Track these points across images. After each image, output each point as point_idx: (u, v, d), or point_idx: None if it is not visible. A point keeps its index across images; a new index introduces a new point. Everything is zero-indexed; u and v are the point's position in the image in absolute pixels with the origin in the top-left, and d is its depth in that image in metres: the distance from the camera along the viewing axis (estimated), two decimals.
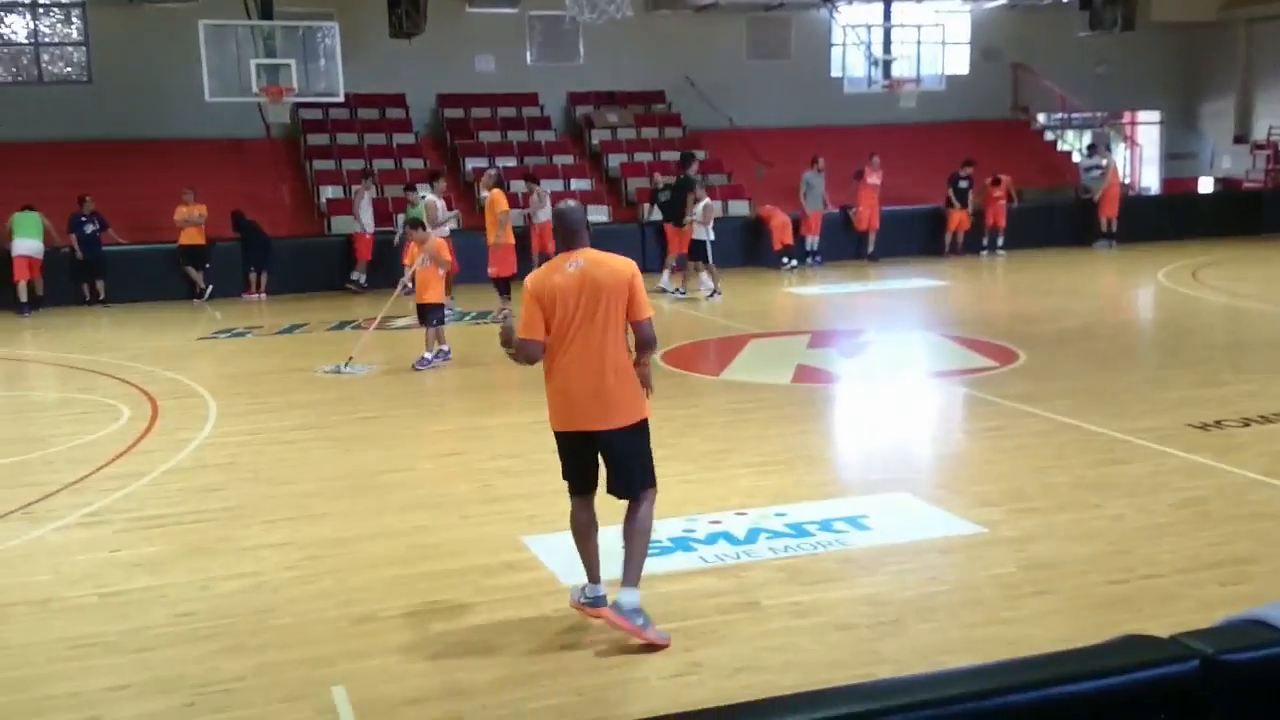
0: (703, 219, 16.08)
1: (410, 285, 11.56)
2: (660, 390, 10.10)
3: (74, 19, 21.70)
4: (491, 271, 13.97)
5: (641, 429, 5.04)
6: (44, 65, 21.82)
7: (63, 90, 21.24)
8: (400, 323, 14.21)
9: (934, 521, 6.35)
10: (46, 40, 21.95)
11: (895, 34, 22.77)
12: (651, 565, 5.68)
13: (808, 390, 10.10)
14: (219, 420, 9.20)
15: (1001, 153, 23.01)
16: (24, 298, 16.22)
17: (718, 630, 4.93)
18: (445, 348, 11.60)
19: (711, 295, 16.05)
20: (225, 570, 5.78)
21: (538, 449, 8.06)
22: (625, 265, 4.96)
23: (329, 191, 19.97)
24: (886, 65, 22.40)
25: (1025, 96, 25.75)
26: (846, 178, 20.53)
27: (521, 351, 4.95)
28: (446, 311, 14.51)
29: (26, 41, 21.85)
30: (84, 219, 16.77)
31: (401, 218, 16.51)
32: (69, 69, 21.89)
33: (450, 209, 16.38)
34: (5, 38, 21.85)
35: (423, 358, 11.34)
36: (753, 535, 6.09)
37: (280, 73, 17.47)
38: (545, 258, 17.31)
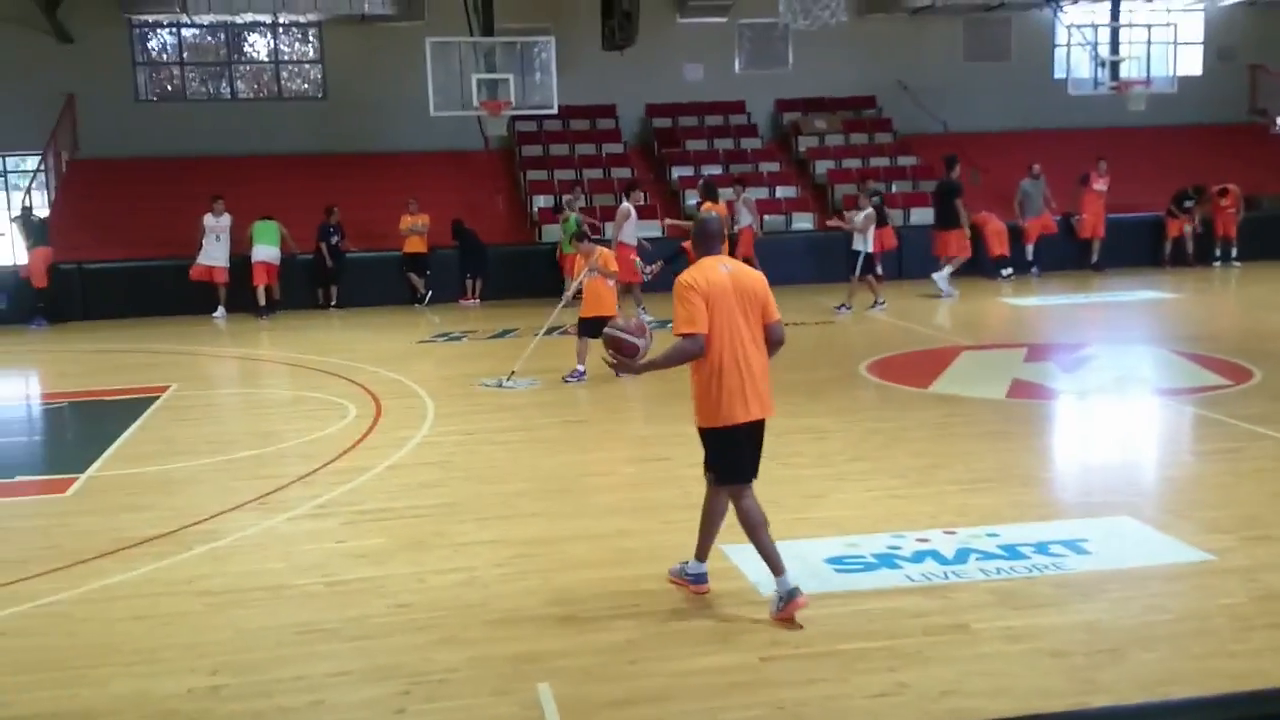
0: (862, 227, 15.65)
1: (574, 298, 11.34)
2: (865, 401, 10.03)
3: (311, 38, 23.13)
4: None
5: None
6: (283, 82, 23.35)
7: (299, 106, 22.67)
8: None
9: (1158, 547, 5.99)
10: (286, 58, 23.48)
11: (1123, 34, 21.71)
12: (854, 581, 5.59)
13: (1024, 406, 9.71)
14: (436, 420, 9.59)
15: (1236, 159, 21.57)
16: (262, 301, 17.38)
17: (924, 651, 4.79)
18: (581, 368, 11.10)
19: (873, 306, 15.77)
20: (440, 564, 6.02)
21: None
22: (760, 274, 5.41)
23: (541, 201, 20.57)
24: (1114, 66, 21.38)
25: (1264, 99, 24.02)
26: (1069, 183, 19.67)
27: (680, 351, 5.21)
28: (648, 319, 14.78)
29: (267, 60, 23.43)
30: (331, 229, 17.84)
31: (559, 228, 17.09)
32: (306, 85, 23.35)
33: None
34: (249, 56, 23.49)
35: (576, 370, 11.08)
36: (962, 555, 5.89)
37: (499, 87, 18.12)
38: (748, 263, 17.52)
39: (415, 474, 7.93)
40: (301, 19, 22.28)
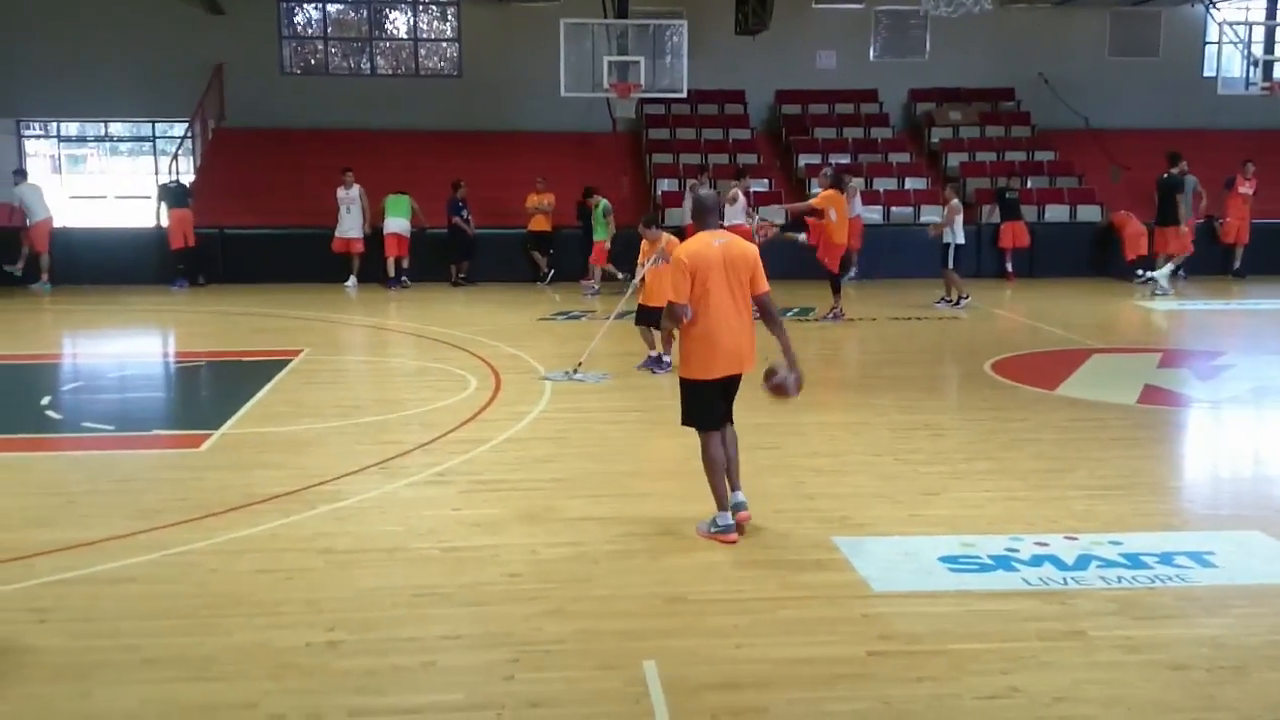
0: (946, 220, 15.36)
1: (638, 284, 10.80)
2: (988, 401, 9.80)
3: (449, 17, 23.54)
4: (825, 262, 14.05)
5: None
6: (420, 59, 23.82)
7: (435, 83, 23.11)
8: None
9: None
10: (424, 36, 23.95)
11: (1278, 33, 20.71)
12: (969, 581, 5.49)
13: (1155, 412, 9.37)
14: (553, 396, 9.71)
15: None
16: (392, 273, 17.83)
17: (1038, 656, 4.68)
18: (668, 358, 10.40)
19: (957, 302, 15.42)
20: (551, 538, 6.11)
21: (853, 450, 8.01)
22: (751, 247, 6.20)
23: (665, 184, 20.59)
24: (1267, 66, 20.40)
25: None
26: (1215, 186, 18.87)
27: (669, 314, 6.14)
28: None
29: (406, 37, 23.94)
30: (460, 204, 18.17)
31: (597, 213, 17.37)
32: (442, 64, 23.78)
33: (752, 207, 16.59)
34: (389, 33, 24.04)
35: (656, 357, 10.59)
36: (1083, 562, 5.73)
37: (629, 69, 18.18)
38: (850, 254, 17.34)
39: (531, 448, 8.05)
40: None
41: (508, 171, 19.96)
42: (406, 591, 5.37)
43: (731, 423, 6.31)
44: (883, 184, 20.59)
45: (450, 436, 8.32)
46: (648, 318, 10.61)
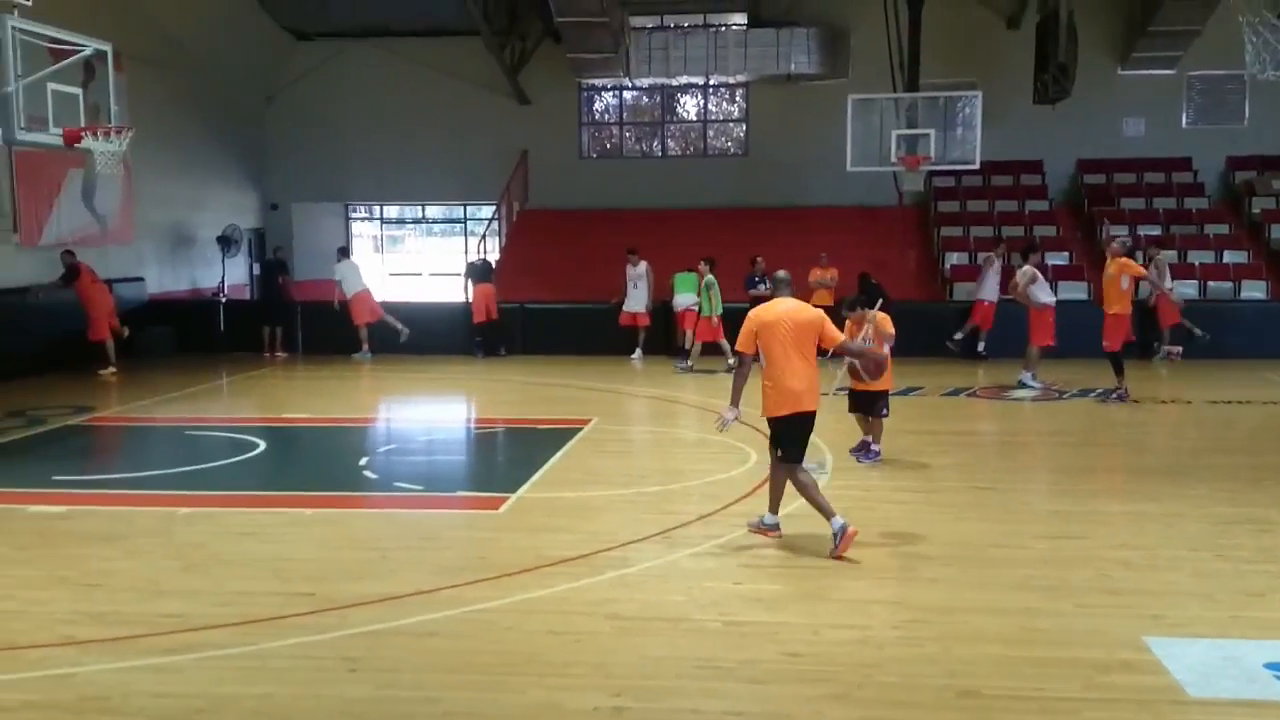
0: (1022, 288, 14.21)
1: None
2: None
3: (738, 98, 24.13)
4: (1105, 345, 13.18)
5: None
6: (709, 140, 24.50)
7: (722, 162, 23.71)
8: (1017, 394, 13.97)
9: None
10: (713, 118, 24.64)
11: None
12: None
13: None
14: (834, 474, 9.57)
15: None
16: (685, 345, 18.17)
17: None
18: (877, 448, 10.01)
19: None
20: (835, 619, 5.98)
21: (1166, 543, 7.42)
22: (816, 311, 7.67)
23: (954, 258, 20.09)
24: None
25: None
26: None
27: (738, 363, 7.63)
28: (1036, 385, 13.97)
29: (696, 119, 24.70)
30: (757, 279, 18.38)
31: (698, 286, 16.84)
32: (729, 143, 24.37)
33: (1047, 281, 15.50)
34: (679, 116, 24.89)
35: (867, 446, 10.03)
36: None
37: (919, 142, 17.93)
38: (1177, 331, 16.16)
39: (812, 525, 7.91)
40: (731, 80, 23.33)
41: (792, 246, 20.03)
42: (689, 663, 5.38)
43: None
44: (1198, 257, 19.27)
45: (731, 509, 8.34)
46: (858, 404, 10.05)
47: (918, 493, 8.97)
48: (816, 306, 19.16)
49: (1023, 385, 14.25)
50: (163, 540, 7.63)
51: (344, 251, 19.51)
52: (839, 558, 6.96)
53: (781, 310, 7.47)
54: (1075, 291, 18.65)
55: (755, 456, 10.24)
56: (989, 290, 17.24)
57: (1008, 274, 18.16)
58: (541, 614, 6.08)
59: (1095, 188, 21.62)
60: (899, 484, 9.26)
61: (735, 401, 7.57)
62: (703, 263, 17.08)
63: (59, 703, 4.98)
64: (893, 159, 18.00)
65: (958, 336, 17.47)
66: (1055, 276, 17.80)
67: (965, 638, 5.71)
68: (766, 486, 9.05)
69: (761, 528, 7.55)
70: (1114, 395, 13.34)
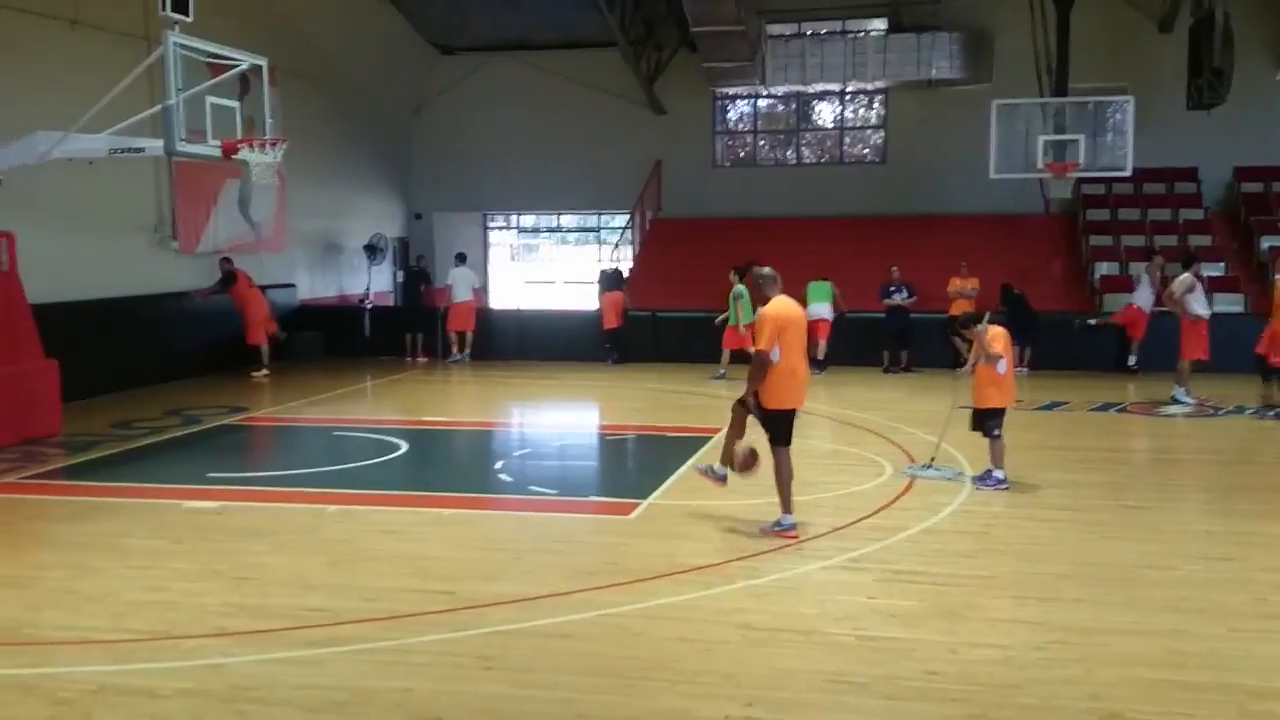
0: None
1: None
2: None
3: (876, 104, 23.81)
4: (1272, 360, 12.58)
5: None
6: (845, 147, 24.25)
7: (859, 169, 23.41)
8: (1169, 410, 13.45)
9: None
10: (849, 125, 24.38)
11: None
12: None
13: None
14: (973, 489, 9.34)
15: None
16: (819, 355, 17.94)
17: None
18: (999, 474, 9.34)
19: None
20: (973, 637, 5.83)
21: None
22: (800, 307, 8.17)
23: (1104, 268, 19.44)
24: None
25: None
26: None
27: (759, 361, 7.72)
28: (1189, 401, 13.36)
29: (832, 126, 24.47)
30: (893, 288, 18.09)
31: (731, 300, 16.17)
32: (866, 150, 24.07)
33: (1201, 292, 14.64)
34: (815, 124, 24.70)
35: (991, 474, 9.39)
36: None
37: (1067, 148, 17.38)
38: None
39: (950, 541, 7.77)
40: (869, 86, 23.05)
41: (931, 256, 19.70)
42: (821, 676, 5.32)
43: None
44: None
45: (864, 523, 8.23)
46: (978, 421, 9.58)
47: (1062, 510, 8.69)
48: (956, 317, 18.85)
49: (1175, 401, 13.68)
50: (310, 536, 7.92)
51: (461, 258, 19.89)
52: (769, 534, 7.73)
53: (794, 309, 7.95)
54: (1231, 304, 17.85)
55: (890, 469, 10.08)
56: (1143, 297, 16.60)
57: (1165, 285, 17.49)
58: (672, 620, 6.10)
59: (1253, 196, 20.63)
60: (1043, 501, 8.99)
61: (751, 393, 7.87)
62: (732, 272, 16.84)
63: (211, 691, 5.21)
64: (1039, 165, 17.46)
65: (1131, 361, 16.79)
66: (1210, 288, 17.03)
67: (1110, 660, 5.51)
68: (898, 500, 8.97)
69: (777, 529, 7.86)
70: (1273, 413, 12.72)
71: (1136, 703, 5.00)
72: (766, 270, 8.11)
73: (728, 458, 8.10)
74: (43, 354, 11.97)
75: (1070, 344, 17.48)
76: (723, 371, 16.76)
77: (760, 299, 8.01)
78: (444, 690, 5.19)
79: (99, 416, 13.05)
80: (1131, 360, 16.80)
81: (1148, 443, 12.23)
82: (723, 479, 8.28)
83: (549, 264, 29.44)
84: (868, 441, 11.61)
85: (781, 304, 7.88)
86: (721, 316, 17.09)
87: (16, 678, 5.37)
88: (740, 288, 16.48)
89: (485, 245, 27.14)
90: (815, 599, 6.48)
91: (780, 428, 7.90)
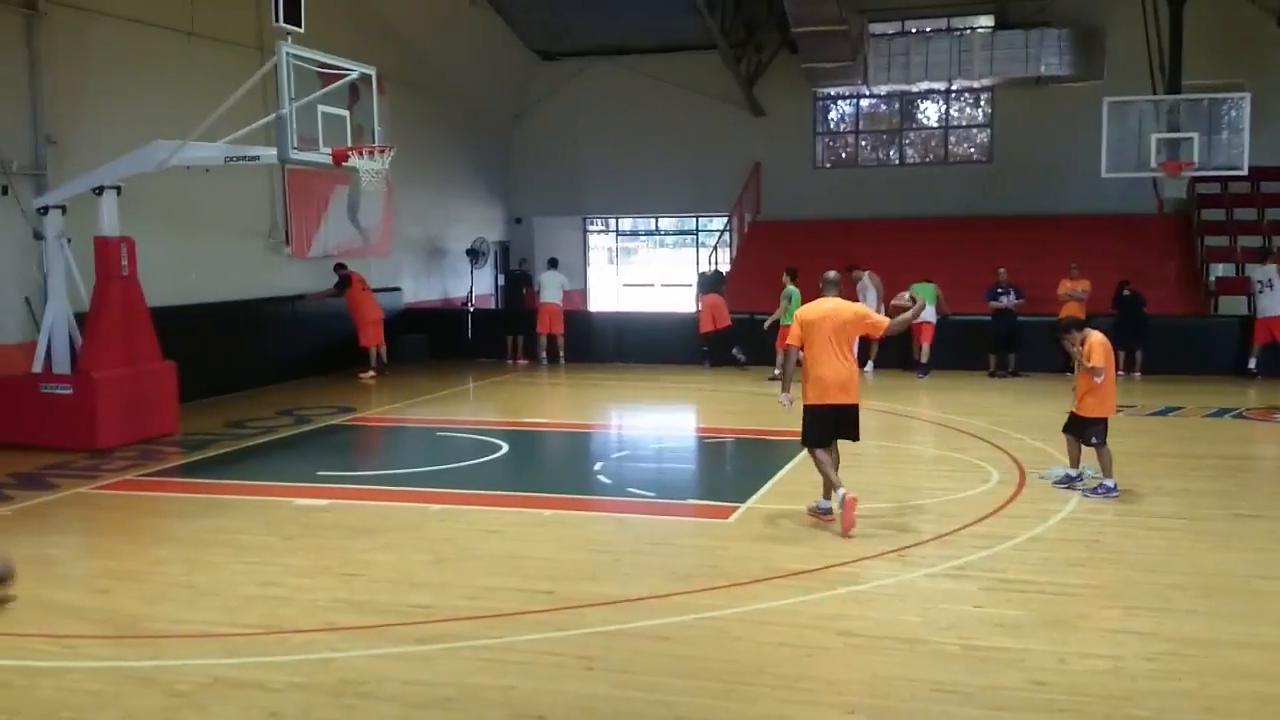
0: None
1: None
2: None
3: (982, 103, 23.37)
4: None
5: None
6: (950, 147, 23.83)
7: (964, 169, 22.98)
8: None
9: None
10: (955, 124, 23.95)
11: None
12: None
13: None
14: (1083, 497, 9.10)
15: None
16: (922, 359, 17.65)
17: None
18: (1083, 477, 9.22)
19: None
20: (1084, 648, 5.69)
21: None
22: (856, 305, 8.53)
23: (1219, 269, 18.79)
24: None
25: None
26: None
27: (786, 358, 8.47)
28: None
29: (937, 125, 24.07)
30: (1000, 290, 17.70)
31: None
32: (972, 149, 23.62)
33: None
34: (919, 123, 24.32)
35: (1071, 481, 9.26)
36: None
37: (1181, 147, 16.85)
38: None
39: (1059, 549, 7.59)
40: (975, 84, 22.64)
41: (1040, 257, 19.25)
42: (925, 685, 5.25)
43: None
44: None
45: (970, 530, 8.08)
46: (1074, 427, 9.38)
47: (1175, 519, 8.43)
48: (1066, 319, 18.15)
49: None
50: (415, 534, 8.08)
51: (553, 262, 20.03)
52: (816, 518, 8.23)
53: (825, 309, 8.19)
54: None
55: (997, 476, 9.89)
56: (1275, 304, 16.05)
57: None
58: (772, 625, 6.07)
59: None
60: (1155, 509, 8.72)
61: (786, 388, 8.42)
62: (785, 274, 16.98)
63: (320, 685, 5.34)
64: (1152, 164, 16.96)
65: (1251, 365, 16.21)
66: None
67: (1225, 673, 5.33)
68: (1005, 507, 8.79)
69: (815, 512, 8.30)
70: None
71: (1252, 717, 4.84)
72: (828, 274, 8.56)
73: (827, 489, 8.29)
74: (161, 355, 12.43)
75: (1185, 348, 16.92)
76: (777, 372, 16.72)
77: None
78: (546, 689, 5.24)
79: (214, 416, 13.50)
80: (1252, 364, 16.20)
81: (1265, 450, 11.79)
82: (826, 512, 8.27)
83: (647, 267, 29.51)
84: (973, 447, 11.40)
85: (811, 305, 8.31)
86: (771, 319, 17.19)
87: (135, 670, 5.59)
88: (792, 288, 16.66)
89: (584, 249, 27.33)
90: (919, 607, 6.39)
91: (807, 426, 8.21)
